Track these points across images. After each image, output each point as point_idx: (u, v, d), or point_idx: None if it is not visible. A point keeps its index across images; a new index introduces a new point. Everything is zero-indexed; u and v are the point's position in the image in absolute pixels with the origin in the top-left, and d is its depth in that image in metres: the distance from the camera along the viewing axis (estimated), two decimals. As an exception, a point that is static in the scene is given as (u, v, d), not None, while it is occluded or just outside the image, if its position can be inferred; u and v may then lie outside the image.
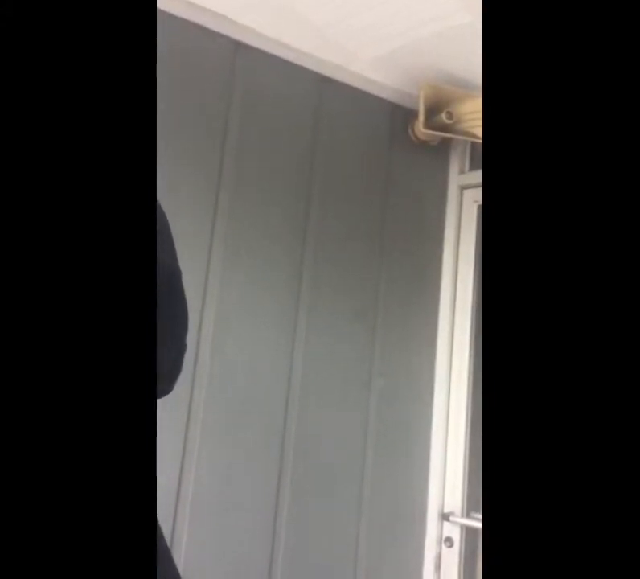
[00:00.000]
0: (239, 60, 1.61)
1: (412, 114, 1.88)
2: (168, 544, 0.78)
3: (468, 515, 1.86)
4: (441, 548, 1.85)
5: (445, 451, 1.91)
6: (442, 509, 1.88)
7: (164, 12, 1.47)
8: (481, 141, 1.81)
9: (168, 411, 1.37)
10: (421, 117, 1.74)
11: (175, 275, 0.77)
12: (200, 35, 1.54)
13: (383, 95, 1.86)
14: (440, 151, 2.03)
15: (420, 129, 1.78)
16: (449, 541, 1.85)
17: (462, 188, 2.04)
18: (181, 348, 0.77)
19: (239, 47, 1.60)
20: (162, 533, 0.75)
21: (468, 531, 1.86)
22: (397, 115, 1.91)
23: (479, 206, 2.01)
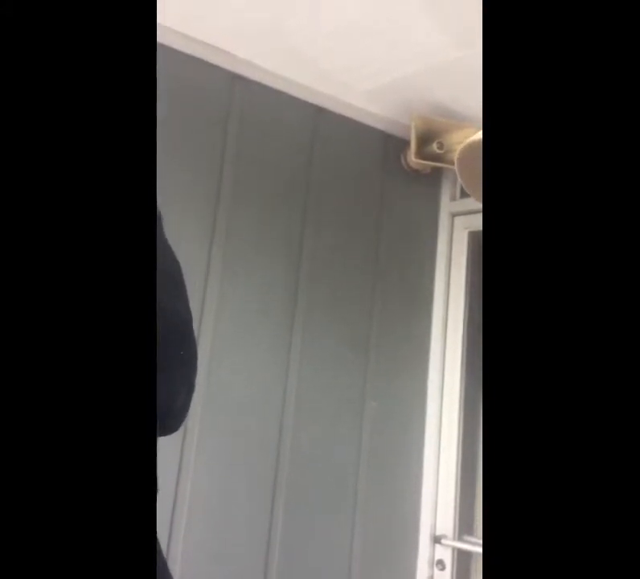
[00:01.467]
0: (236, 92, 1.66)
1: (404, 144, 1.93)
2: (165, 563, 0.80)
3: (460, 538, 1.87)
4: (433, 570, 1.86)
5: (437, 474, 1.93)
6: (434, 532, 1.89)
7: (164, 45, 1.53)
8: (471, 170, 1.86)
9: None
10: (413, 148, 1.79)
11: (188, 322, 0.82)
12: (198, 68, 1.59)
13: (377, 125, 1.92)
14: (431, 179, 2.08)
15: (412, 158, 1.83)
16: (440, 564, 1.86)
17: (453, 215, 2.09)
18: (190, 389, 0.81)
19: (236, 79, 1.65)
20: (160, 549, 0.77)
21: (460, 554, 1.87)
22: (390, 144, 1.96)
23: (470, 232, 2.06)
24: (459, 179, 0.95)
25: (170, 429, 0.82)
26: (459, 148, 0.87)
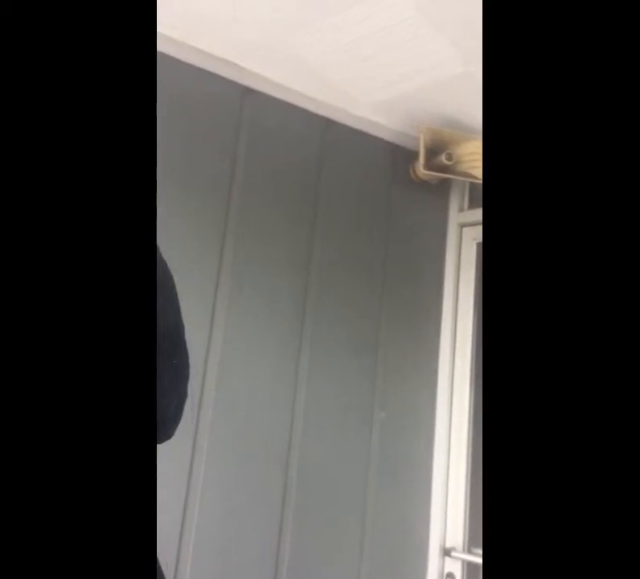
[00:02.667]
0: (246, 104, 1.67)
1: (412, 155, 1.94)
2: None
3: (469, 551, 1.86)
4: (442, 583, 1.85)
5: (447, 486, 1.92)
6: (444, 544, 1.88)
7: (176, 59, 1.54)
8: (479, 181, 1.87)
9: (172, 443, 1.39)
10: (422, 159, 1.79)
11: (179, 330, 0.83)
12: (209, 81, 1.61)
13: (385, 136, 1.93)
14: (440, 190, 2.08)
15: (420, 169, 1.84)
16: (450, 577, 1.85)
17: (461, 226, 2.09)
18: (182, 396, 0.82)
19: (247, 91, 1.67)
20: (161, 571, 0.77)
21: (469, 566, 1.86)
22: (398, 155, 1.97)
23: (478, 243, 2.06)
24: None
25: (162, 437, 0.83)
26: None
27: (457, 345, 2.00)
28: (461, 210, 2.10)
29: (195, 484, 1.46)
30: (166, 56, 1.51)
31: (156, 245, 0.60)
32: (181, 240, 1.50)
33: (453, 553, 1.85)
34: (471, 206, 2.10)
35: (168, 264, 0.85)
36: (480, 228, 2.04)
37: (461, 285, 2.05)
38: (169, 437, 0.84)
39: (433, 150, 1.84)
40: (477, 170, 1.83)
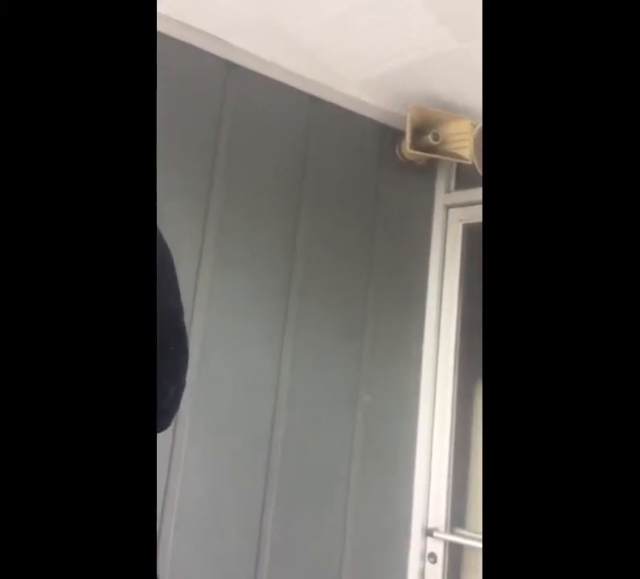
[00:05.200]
0: (231, 80, 1.64)
1: (399, 134, 1.91)
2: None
3: (452, 531, 1.87)
4: (424, 563, 1.86)
5: (430, 467, 1.93)
6: (426, 525, 1.89)
7: (161, 33, 1.50)
8: (466, 161, 1.85)
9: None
10: (408, 138, 1.77)
11: (179, 315, 0.80)
12: (194, 56, 1.57)
13: (372, 115, 1.90)
14: (426, 171, 2.06)
15: (407, 149, 1.82)
16: (432, 557, 1.86)
17: (448, 207, 2.08)
18: (180, 385, 0.80)
19: (231, 67, 1.63)
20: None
21: (452, 546, 1.87)
22: (385, 135, 1.95)
23: (464, 224, 2.05)
24: (474, 158, 0.95)
25: (160, 426, 0.81)
26: (477, 127, 0.86)
27: (442, 328, 2.00)
28: (447, 191, 2.09)
29: (177, 466, 1.45)
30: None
31: (156, 228, 0.59)
32: (161, 218, 1.47)
33: (435, 534, 1.86)
34: (457, 187, 2.09)
35: (168, 246, 0.82)
36: (466, 209, 2.03)
37: (446, 267, 2.04)
38: (163, 428, 0.82)
39: (420, 130, 1.82)
40: (464, 151, 1.82)
